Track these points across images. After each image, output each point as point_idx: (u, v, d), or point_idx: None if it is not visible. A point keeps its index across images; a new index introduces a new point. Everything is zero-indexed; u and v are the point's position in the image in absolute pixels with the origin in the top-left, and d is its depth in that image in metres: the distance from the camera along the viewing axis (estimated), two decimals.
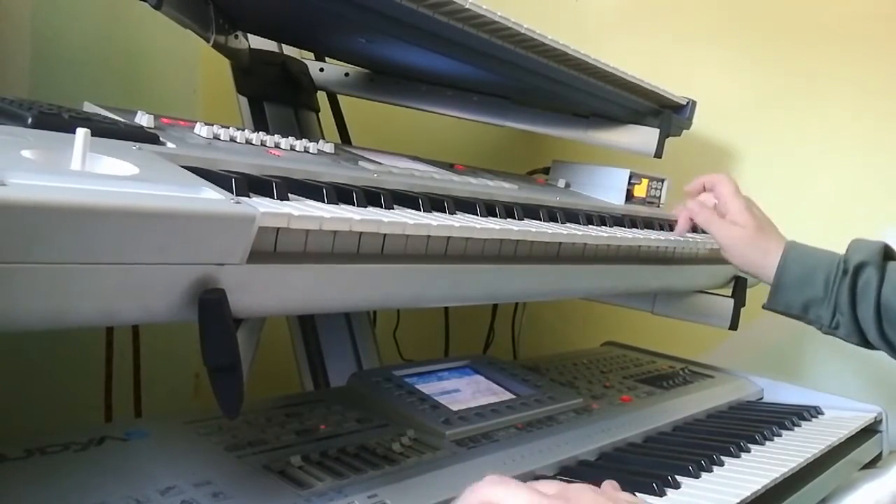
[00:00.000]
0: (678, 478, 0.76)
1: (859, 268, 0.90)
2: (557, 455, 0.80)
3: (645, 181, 1.19)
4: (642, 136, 1.20)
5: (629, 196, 1.16)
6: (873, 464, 1.07)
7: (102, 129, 0.57)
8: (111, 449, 0.64)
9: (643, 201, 1.19)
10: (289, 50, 1.25)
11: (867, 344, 0.92)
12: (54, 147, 0.48)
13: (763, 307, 1.00)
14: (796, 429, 1.03)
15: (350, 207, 0.60)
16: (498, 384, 0.96)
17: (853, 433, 1.04)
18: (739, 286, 1.19)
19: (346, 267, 0.56)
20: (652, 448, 0.89)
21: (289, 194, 0.57)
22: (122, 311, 0.44)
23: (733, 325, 1.19)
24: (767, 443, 0.93)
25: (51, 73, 1.24)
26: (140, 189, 0.45)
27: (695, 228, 1.03)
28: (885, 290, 0.88)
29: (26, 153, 0.46)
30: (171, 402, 1.46)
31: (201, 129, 0.72)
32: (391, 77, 1.27)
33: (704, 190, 1.07)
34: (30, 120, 0.54)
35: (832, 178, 1.38)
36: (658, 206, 1.22)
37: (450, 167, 1.01)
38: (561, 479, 0.72)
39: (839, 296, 0.91)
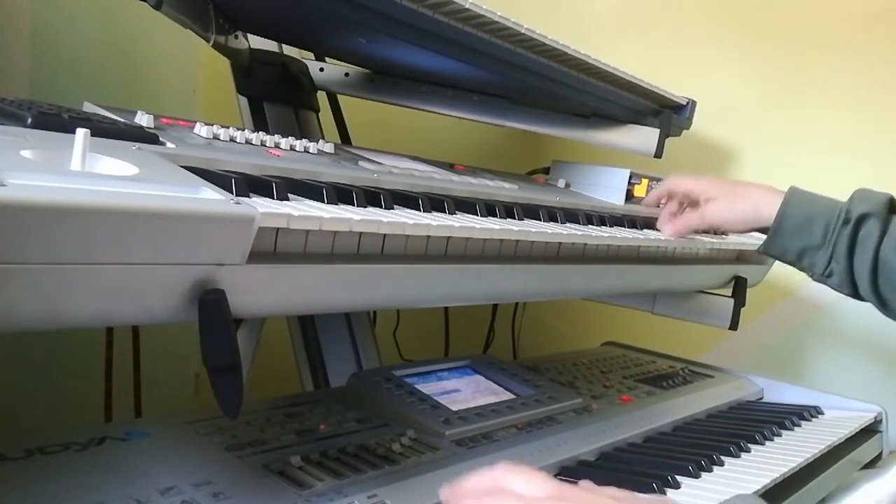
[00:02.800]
0: (678, 478, 0.76)
1: (862, 218, 0.89)
2: (557, 455, 0.80)
3: (645, 181, 1.19)
4: (642, 136, 1.20)
5: (629, 196, 1.16)
6: (873, 464, 1.07)
7: (102, 130, 0.57)
8: (111, 449, 0.64)
9: (643, 201, 1.19)
10: (289, 50, 1.25)
11: (857, 295, 0.91)
12: (54, 147, 0.48)
13: (758, 251, 0.99)
14: (796, 429, 1.03)
15: (350, 207, 0.60)
16: (498, 384, 0.96)
17: (853, 433, 1.04)
18: (739, 286, 1.19)
19: (346, 267, 0.56)
20: (652, 448, 0.89)
21: (289, 194, 0.57)
22: (121, 312, 0.44)
23: (733, 325, 1.19)
24: (767, 443, 0.93)
25: (51, 73, 1.24)
26: (140, 189, 0.45)
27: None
28: (884, 245, 0.87)
29: (26, 153, 0.46)
30: (172, 401, 1.46)
31: (201, 130, 0.72)
32: (391, 77, 1.27)
33: (666, 198, 1.07)
34: (29, 120, 0.54)
35: (832, 177, 1.37)
36: (658, 207, 1.21)
37: (450, 167, 1.01)
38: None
39: (837, 244, 0.90)
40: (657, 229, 1.01)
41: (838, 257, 0.90)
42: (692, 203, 1.03)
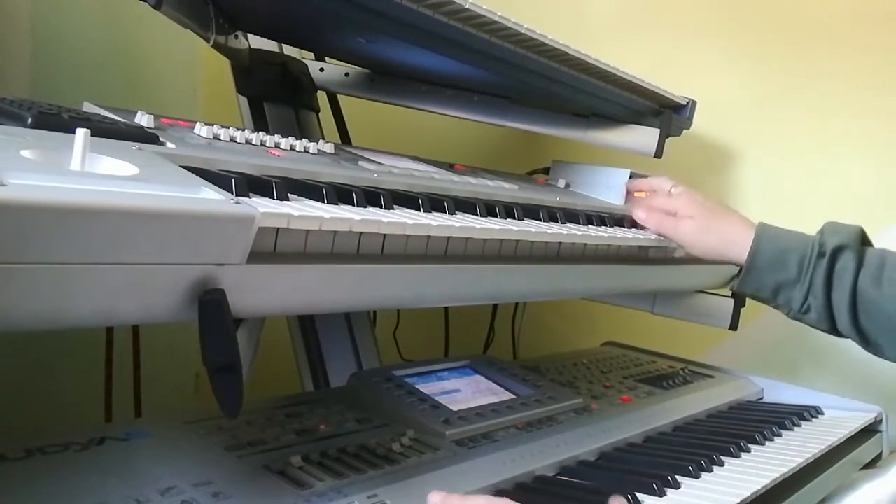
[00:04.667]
0: (678, 478, 0.76)
1: (837, 251, 0.87)
2: (557, 455, 0.80)
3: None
4: (642, 136, 1.20)
5: (629, 196, 1.16)
6: (873, 464, 1.07)
7: (102, 129, 0.57)
8: (111, 449, 0.64)
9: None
10: (289, 50, 1.25)
11: (835, 331, 0.90)
12: (54, 147, 0.48)
13: (731, 289, 0.98)
14: (796, 429, 1.03)
15: (350, 207, 0.60)
16: (498, 384, 0.96)
17: (853, 433, 1.04)
18: None
19: (346, 267, 0.56)
20: (652, 448, 0.89)
21: (289, 194, 0.57)
22: (122, 311, 0.44)
23: (733, 325, 1.19)
24: (767, 443, 0.93)
25: (51, 73, 1.24)
26: (140, 189, 0.45)
27: None
28: (861, 278, 0.85)
29: (26, 153, 0.46)
30: (172, 401, 1.46)
31: (201, 129, 0.72)
32: (391, 77, 1.27)
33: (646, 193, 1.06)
34: (30, 120, 0.54)
35: (832, 177, 1.38)
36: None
37: (450, 167, 1.01)
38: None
39: (814, 279, 0.88)
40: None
41: (815, 292, 0.88)
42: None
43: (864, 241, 0.89)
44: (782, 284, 0.91)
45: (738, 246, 0.93)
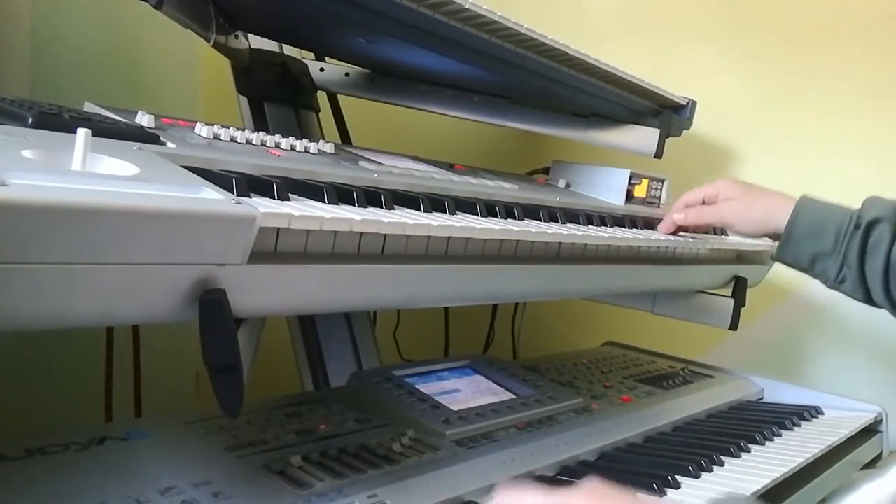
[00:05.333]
0: (678, 478, 0.76)
1: (873, 223, 0.89)
2: (557, 455, 0.80)
3: (645, 181, 1.19)
4: (642, 136, 1.20)
5: (629, 196, 1.16)
6: (873, 464, 1.07)
7: (103, 129, 0.57)
8: (111, 449, 0.64)
9: (643, 201, 1.19)
10: (289, 50, 1.25)
11: (871, 301, 0.91)
12: (55, 147, 0.48)
13: (771, 258, 1.00)
14: (796, 429, 1.03)
15: (350, 208, 0.60)
16: (498, 384, 0.96)
17: (853, 433, 1.04)
18: (739, 286, 1.19)
19: (347, 267, 0.56)
20: (652, 448, 0.89)
21: (289, 194, 0.57)
22: (122, 311, 0.44)
23: (733, 326, 1.18)
24: (767, 443, 0.94)
25: (51, 73, 1.24)
26: (141, 189, 0.45)
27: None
28: (895, 250, 0.87)
29: (27, 153, 0.46)
30: (172, 401, 1.46)
31: (202, 129, 0.72)
32: (391, 77, 1.27)
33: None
34: (30, 120, 0.54)
35: (833, 177, 1.37)
36: (658, 207, 1.21)
37: (450, 167, 1.01)
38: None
39: (848, 250, 0.90)
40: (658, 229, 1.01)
41: (850, 263, 0.90)
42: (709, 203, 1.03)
43: None
44: (819, 255, 0.93)
45: (780, 216, 0.96)
